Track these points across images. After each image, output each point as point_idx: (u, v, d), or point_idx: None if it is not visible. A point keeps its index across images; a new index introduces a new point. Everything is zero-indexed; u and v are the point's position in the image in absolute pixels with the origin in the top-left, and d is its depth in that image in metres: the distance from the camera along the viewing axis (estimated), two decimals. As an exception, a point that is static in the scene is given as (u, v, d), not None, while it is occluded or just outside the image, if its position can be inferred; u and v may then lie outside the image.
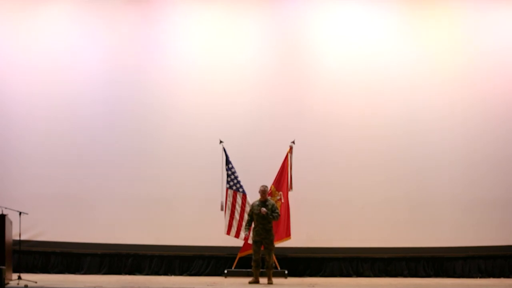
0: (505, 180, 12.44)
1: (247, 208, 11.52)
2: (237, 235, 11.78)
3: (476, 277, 12.19)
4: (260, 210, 10.55)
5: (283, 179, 11.91)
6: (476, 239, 12.25)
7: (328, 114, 12.61)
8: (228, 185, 11.88)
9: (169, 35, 12.99)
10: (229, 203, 11.84)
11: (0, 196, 11.90)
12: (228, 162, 11.93)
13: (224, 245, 12.14)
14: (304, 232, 12.15)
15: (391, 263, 12.41)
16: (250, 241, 11.12)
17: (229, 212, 11.81)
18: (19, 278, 10.14)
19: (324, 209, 12.30)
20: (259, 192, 10.72)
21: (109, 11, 12.97)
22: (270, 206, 10.61)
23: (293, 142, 12.01)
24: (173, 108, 12.73)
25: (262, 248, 10.62)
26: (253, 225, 10.74)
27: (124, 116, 12.73)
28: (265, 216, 10.54)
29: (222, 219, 11.84)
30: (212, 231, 12.05)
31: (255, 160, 12.37)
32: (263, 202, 10.68)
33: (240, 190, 11.84)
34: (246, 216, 11.52)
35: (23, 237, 10.92)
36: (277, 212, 10.68)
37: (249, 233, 10.82)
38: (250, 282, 10.57)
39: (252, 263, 10.67)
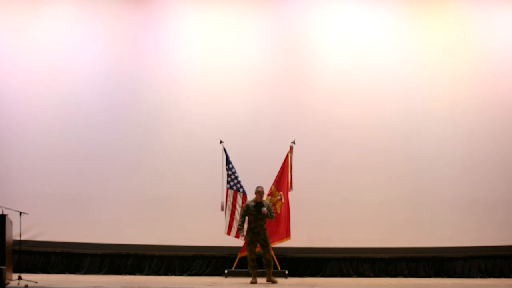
0: (505, 180, 12.43)
1: (248, 208, 11.56)
2: (237, 235, 11.75)
3: (476, 277, 12.18)
4: (259, 210, 10.61)
5: (283, 179, 11.90)
6: (476, 239, 12.24)
7: (328, 114, 12.60)
8: (228, 185, 11.87)
9: (170, 35, 12.98)
10: (229, 203, 11.83)
11: (0, 196, 11.91)
12: (228, 162, 11.92)
13: (224, 245, 12.13)
14: (304, 232, 12.15)
15: (391, 263, 12.40)
16: (242, 239, 11.16)
17: (229, 212, 11.80)
18: (19, 278, 10.15)
19: (324, 209, 12.29)
20: (256, 193, 10.76)
21: (109, 11, 12.95)
22: (267, 207, 10.72)
23: (293, 142, 12.00)
24: (173, 108, 12.72)
25: (258, 249, 10.66)
26: (246, 227, 10.77)
27: (124, 116, 12.71)
28: (263, 216, 10.62)
29: (222, 219, 11.83)
30: (212, 231, 12.03)
31: (255, 160, 12.36)
32: (259, 202, 10.72)
33: (241, 190, 11.83)
34: (237, 216, 11.51)
35: (23, 237, 10.93)
36: (273, 211, 10.94)
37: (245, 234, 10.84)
38: (252, 282, 10.59)
39: (250, 263, 10.69)
